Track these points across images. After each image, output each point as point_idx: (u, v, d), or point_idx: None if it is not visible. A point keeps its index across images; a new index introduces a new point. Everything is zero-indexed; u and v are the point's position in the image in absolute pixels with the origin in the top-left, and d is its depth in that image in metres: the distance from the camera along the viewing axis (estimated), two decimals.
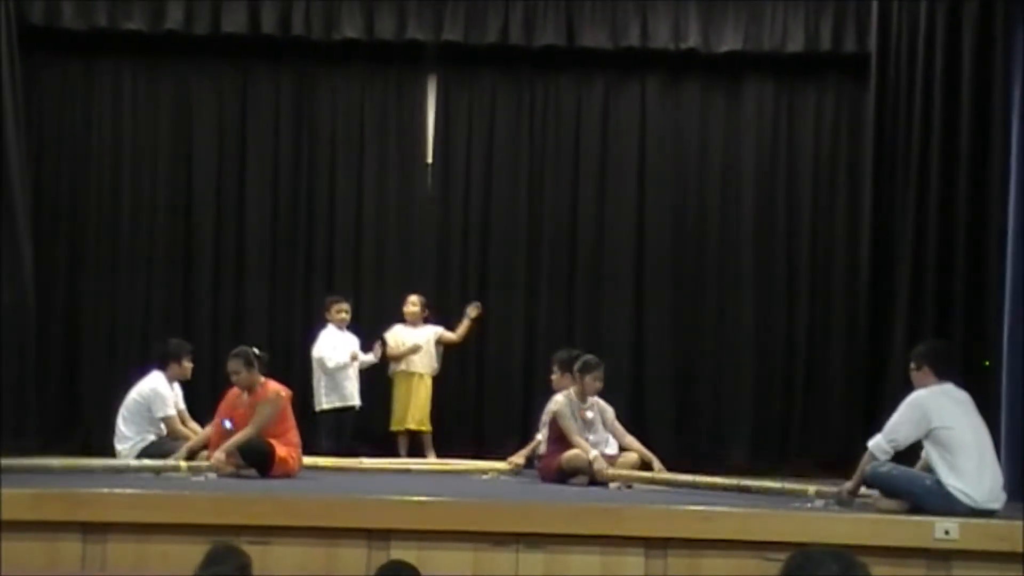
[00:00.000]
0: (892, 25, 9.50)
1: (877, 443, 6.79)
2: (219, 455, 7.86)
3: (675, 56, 10.13)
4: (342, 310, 9.50)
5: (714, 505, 6.82)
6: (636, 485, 7.95)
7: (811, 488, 7.35)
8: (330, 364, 9.36)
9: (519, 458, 9.02)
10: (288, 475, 7.91)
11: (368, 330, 9.74)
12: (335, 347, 9.42)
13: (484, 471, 8.88)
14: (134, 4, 9.89)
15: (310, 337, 10.18)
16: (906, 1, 9.47)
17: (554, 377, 8.78)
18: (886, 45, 9.52)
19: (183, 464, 7.99)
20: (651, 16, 10.01)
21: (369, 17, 10.00)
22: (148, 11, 9.90)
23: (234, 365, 8.13)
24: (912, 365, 6.98)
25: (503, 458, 9.13)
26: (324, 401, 9.45)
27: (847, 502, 6.94)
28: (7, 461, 7.44)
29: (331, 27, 9.99)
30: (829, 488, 7.20)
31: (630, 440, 8.46)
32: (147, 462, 8.15)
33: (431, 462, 9.35)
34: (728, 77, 10.33)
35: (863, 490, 6.98)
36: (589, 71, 10.37)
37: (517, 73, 10.44)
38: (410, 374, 9.65)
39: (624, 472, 8.08)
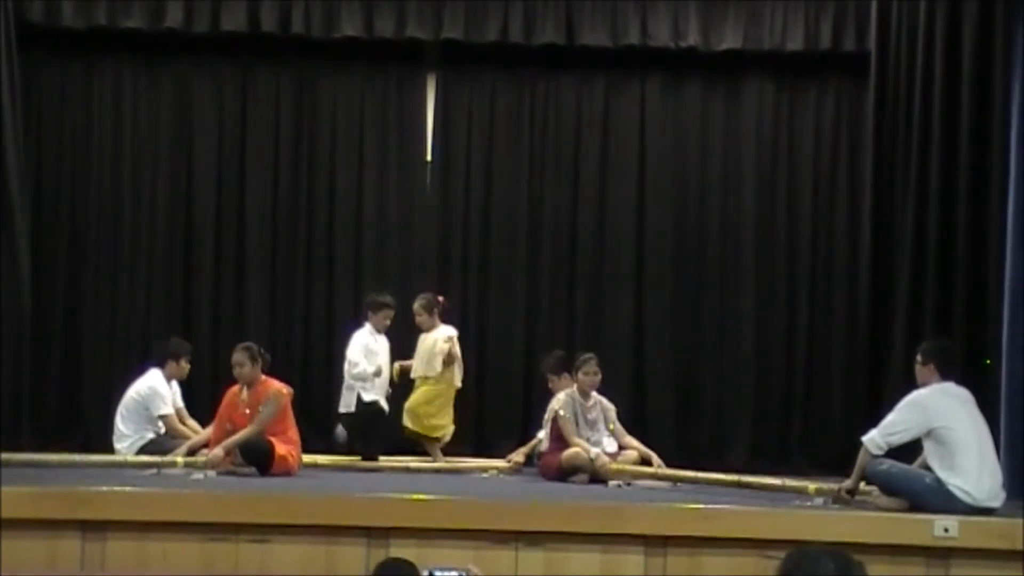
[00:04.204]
0: (892, 24, 9.49)
1: (872, 438, 6.79)
2: (217, 451, 7.88)
3: (675, 55, 10.13)
4: (389, 316, 9.09)
5: (713, 504, 6.83)
6: (637, 482, 7.96)
7: (811, 486, 7.35)
8: (356, 370, 8.84)
9: (519, 456, 9.02)
10: (288, 473, 7.91)
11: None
12: (371, 353, 8.92)
13: (484, 469, 8.88)
14: (134, 3, 9.88)
15: (310, 337, 10.22)
16: (906, 0, 9.46)
17: (550, 386, 8.78)
18: (885, 44, 9.51)
19: (180, 459, 8.01)
20: (651, 15, 10.01)
21: (369, 15, 10.00)
22: (148, 10, 9.89)
23: (240, 358, 8.12)
24: (919, 359, 7.00)
25: (503, 457, 9.14)
26: (367, 396, 8.87)
27: (846, 500, 6.95)
28: (6, 455, 7.47)
29: (331, 25, 9.99)
30: (830, 485, 7.20)
31: (629, 439, 8.47)
32: (144, 458, 8.17)
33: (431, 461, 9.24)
34: (728, 76, 10.33)
35: (862, 486, 6.99)
36: (589, 70, 10.36)
37: (517, 72, 10.44)
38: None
39: (628, 468, 8.09)
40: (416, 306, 9.08)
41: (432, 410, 8.96)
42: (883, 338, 9.34)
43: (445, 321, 9.15)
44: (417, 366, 9.03)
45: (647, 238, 10.32)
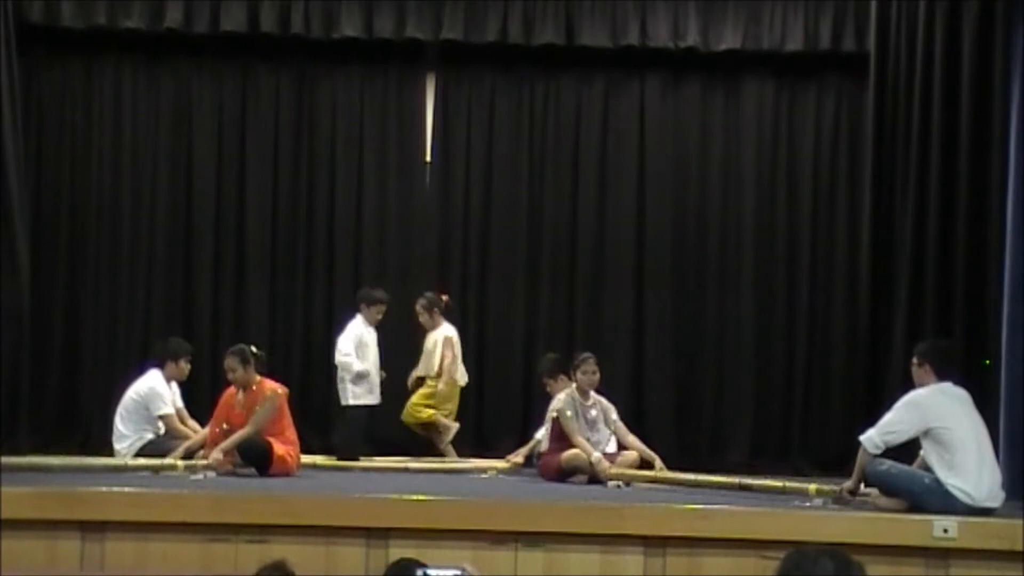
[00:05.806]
0: (891, 24, 9.49)
1: (869, 437, 6.79)
2: (216, 454, 7.87)
3: (675, 55, 10.13)
4: (382, 311, 9.22)
5: (713, 504, 6.83)
6: (637, 484, 7.95)
7: (812, 487, 7.35)
8: (345, 359, 9.06)
9: (518, 457, 9.03)
10: (286, 473, 7.91)
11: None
12: (363, 345, 9.13)
13: (484, 469, 8.89)
14: (133, 3, 9.89)
15: (310, 337, 10.22)
16: (905, 0, 9.46)
17: (548, 389, 8.79)
18: (885, 44, 9.51)
19: (180, 463, 8.00)
20: (650, 15, 10.01)
21: (368, 16, 10.00)
22: (147, 10, 9.89)
23: (230, 363, 8.13)
24: (914, 361, 7.00)
25: (502, 457, 9.14)
26: (351, 397, 9.10)
27: (846, 500, 6.94)
28: (6, 460, 7.45)
29: (330, 26, 9.99)
30: (831, 487, 7.20)
31: (632, 439, 8.45)
32: (143, 461, 8.16)
33: (431, 461, 9.26)
34: (728, 76, 10.33)
35: (862, 488, 6.98)
36: (589, 70, 10.36)
37: (517, 72, 10.43)
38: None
39: (628, 471, 8.08)
40: (417, 306, 9.40)
41: (427, 402, 9.33)
42: (883, 338, 9.33)
43: (448, 319, 9.41)
44: (421, 365, 9.36)
45: (647, 238, 10.32)
